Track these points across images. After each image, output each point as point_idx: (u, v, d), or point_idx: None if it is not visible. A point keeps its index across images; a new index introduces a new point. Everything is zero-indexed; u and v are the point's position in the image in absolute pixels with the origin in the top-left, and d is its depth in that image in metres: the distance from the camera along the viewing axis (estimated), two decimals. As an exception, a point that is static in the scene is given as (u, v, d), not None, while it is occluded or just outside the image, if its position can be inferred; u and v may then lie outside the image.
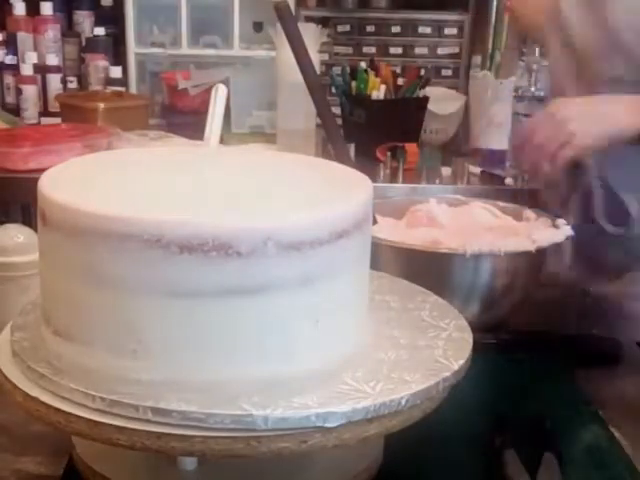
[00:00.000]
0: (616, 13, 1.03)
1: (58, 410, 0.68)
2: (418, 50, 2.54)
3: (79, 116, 2.12)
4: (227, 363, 0.68)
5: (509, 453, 0.84)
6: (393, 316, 0.84)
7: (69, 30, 2.52)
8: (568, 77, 1.13)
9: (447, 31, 2.52)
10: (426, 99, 2.14)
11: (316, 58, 1.85)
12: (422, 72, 2.20)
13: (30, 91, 2.33)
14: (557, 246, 1.05)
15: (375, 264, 0.82)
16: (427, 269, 1.04)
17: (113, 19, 2.49)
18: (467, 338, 0.80)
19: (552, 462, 0.83)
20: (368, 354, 0.75)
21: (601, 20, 1.04)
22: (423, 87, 2.14)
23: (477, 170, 2.02)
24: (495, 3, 2.30)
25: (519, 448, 0.84)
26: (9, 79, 2.38)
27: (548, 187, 0.95)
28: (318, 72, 1.63)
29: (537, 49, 2.22)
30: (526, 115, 2.02)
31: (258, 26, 2.41)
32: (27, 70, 2.34)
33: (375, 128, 2.10)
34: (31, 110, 2.34)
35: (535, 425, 0.90)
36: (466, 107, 2.23)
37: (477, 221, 1.17)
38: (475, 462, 0.86)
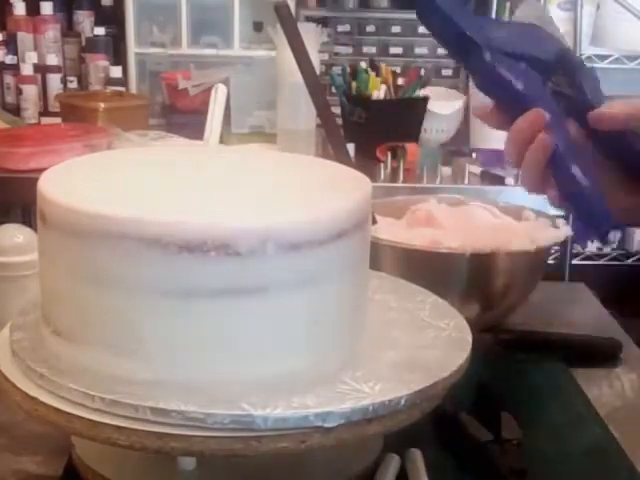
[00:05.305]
0: None
1: (58, 410, 0.68)
2: (418, 50, 2.54)
3: (79, 116, 2.12)
4: (227, 363, 0.68)
5: (463, 415, 0.85)
6: (393, 316, 0.84)
7: (69, 30, 2.52)
8: None
9: (447, 31, 2.52)
10: (426, 99, 2.14)
11: (316, 58, 1.85)
12: (422, 72, 2.19)
13: (30, 91, 2.33)
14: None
15: (375, 264, 0.82)
16: (427, 269, 1.04)
17: (113, 19, 2.49)
18: (467, 338, 0.80)
19: (511, 421, 0.84)
20: (368, 354, 0.75)
21: None
22: (423, 87, 2.14)
23: (477, 170, 2.02)
24: (495, 3, 2.29)
25: (471, 411, 0.86)
26: (9, 79, 2.38)
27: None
28: (318, 72, 1.63)
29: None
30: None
31: (258, 26, 2.41)
32: (27, 70, 2.34)
33: (375, 128, 2.09)
34: (31, 110, 2.34)
35: (483, 390, 0.91)
36: (466, 107, 2.23)
37: (477, 221, 1.17)
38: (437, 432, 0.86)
